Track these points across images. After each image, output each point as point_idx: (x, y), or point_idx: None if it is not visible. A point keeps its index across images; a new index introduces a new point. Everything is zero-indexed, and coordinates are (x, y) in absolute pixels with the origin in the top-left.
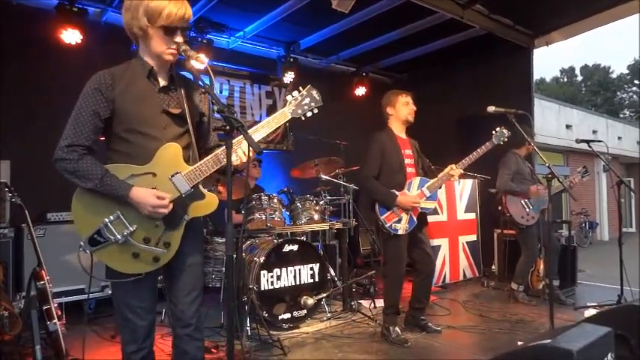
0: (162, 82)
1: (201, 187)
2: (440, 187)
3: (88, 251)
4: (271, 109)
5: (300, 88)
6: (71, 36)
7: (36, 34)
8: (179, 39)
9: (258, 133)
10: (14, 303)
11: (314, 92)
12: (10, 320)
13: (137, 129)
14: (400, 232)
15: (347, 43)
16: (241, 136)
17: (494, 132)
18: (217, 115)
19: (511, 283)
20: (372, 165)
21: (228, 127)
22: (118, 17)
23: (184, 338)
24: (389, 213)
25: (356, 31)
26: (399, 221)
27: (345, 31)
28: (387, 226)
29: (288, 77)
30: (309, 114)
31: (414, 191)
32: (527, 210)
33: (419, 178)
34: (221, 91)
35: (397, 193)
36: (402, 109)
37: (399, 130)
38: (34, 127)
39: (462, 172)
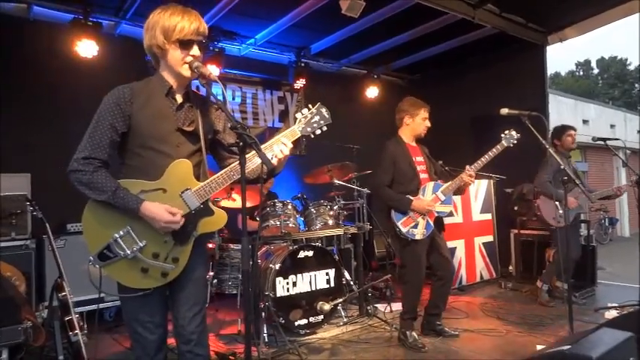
0: (179, 100)
1: (210, 203)
2: (453, 192)
3: (97, 266)
4: (283, 115)
5: (310, 105)
6: (87, 49)
7: (53, 49)
8: (196, 51)
9: (268, 152)
10: (37, 313)
11: (323, 110)
12: (34, 331)
13: (151, 146)
14: (418, 237)
15: (358, 46)
16: (254, 151)
17: (503, 134)
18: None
19: (537, 281)
20: (385, 175)
21: (241, 144)
22: (132, 29)
23: (187, 355)
24: (405, 218)
25: (367, 34)
26: (415, 226)
27: (356, 34)
28: (404, 231)
29: (300, 83)
30: (318, 132)
31: (428, 196)
32: (560, 212)
33: (432, 182)
34: (233, 98)
35: (412, 197)
36: (420, 124)
37: (409, 139)
38: (53, 140)
39: (474, 175)
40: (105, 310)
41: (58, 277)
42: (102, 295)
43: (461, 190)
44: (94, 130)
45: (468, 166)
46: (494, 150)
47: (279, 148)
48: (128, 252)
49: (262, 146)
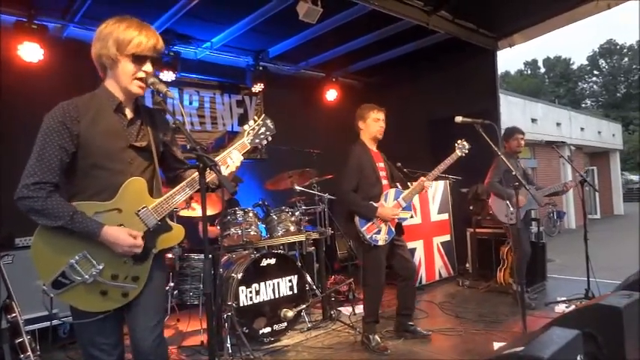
0: (129, 115)
1: (167, 219)
2: (412, 198)
3: (51, 295)
4: (242, 118)
5: (255, 117)
6: (31, 53)
7: None
8: (148, 67)
9: (225, 167)
10: None
11: (268, 121)
12: None
13: (103, 164)
14: (380, 242)
15: (316, 50)
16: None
17: (456, 144)
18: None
19: (512, 285)
20: (351, 179)
21: (201, 166)
22: (80, 32)
23: None
24: (369, 225)
25: (324, 38)
26: (378, 232)
27: (314, 38)
28: (367, 237)
29: (258, 86)
30: (264, 142)
31: (390, 202)
32: (512, 209)
33: (394, 190)
34: (191, 103)
35: (376, 205)
36: (372, 125)
37: (370, 143)
38: None
39: (431, 182)
40: (58, 326)
41: (6, 297)
42: (55, 311)
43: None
44: (42, 153)
45: (422, 177)
46: (448, 160)
47: (231, 160)
48: (86, 277)
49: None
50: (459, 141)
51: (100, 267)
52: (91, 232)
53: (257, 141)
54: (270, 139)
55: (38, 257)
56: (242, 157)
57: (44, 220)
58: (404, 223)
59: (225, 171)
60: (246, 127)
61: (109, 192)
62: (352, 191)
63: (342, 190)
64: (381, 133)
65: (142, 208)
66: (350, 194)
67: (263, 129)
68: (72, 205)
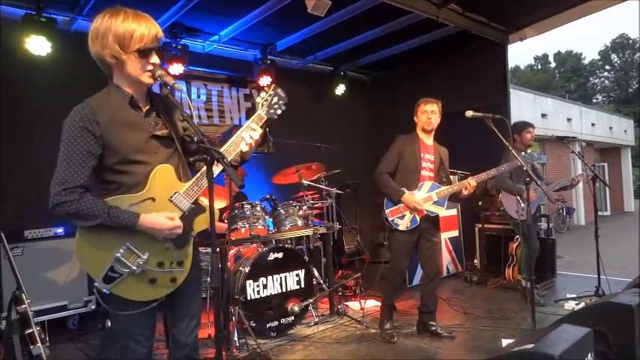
0: (143, 107)
1: (199, 201)
2: (449, 196)
3: (105, 290)
4: (250, 112)
5: (266, 88)
6: (40, 47)
7: (3, 47)
8: (155, 59)
9: (242, 141)
10: None
11: (279, 90)
12: None
13: (131, 158)
14: (401, 227)
15: (324, 43)
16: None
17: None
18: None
19: (521, 281)
20: (388, 163)
21: (208, 159)
22: (89, 26)
23: None
24: (394, 208)
25: (333, 32)
26: (401, 217)
27: (322, 31)
28: (389, 219)
29: (265, 80)
30: (279, 112)
31: (423, 193)
32: (522, 205)
33: (431, 182)
34: (198, 96)
35: (405, 190)
36: (420, 117)
37: (422, 135)
38: (6, 141)
39: (474, 185)
40: (68, 318)
41: (16, 289)
42: (64, 303)
43: (456, 197)
44: (69, 160)
45: (470, 178)
46: (501, 167)
47: (248, 134)
48: (134, 267)
49: (233, 138)
50: (528, 151)
51: (145, 256)
52: (128, 224)
53: (272, 111)
54: (283, 108)
55: (84, 258)
56: (261, 130)
57: (82, 222)
58: None
59: (244, 146)
60: (258, 99)
61: (139, 184)
62: (386, 174)
63: (376, 170)
64: (428, 125)
65: (174, 194)
66: (382, 174)
67: (276, 98)
68: (104, 201)
